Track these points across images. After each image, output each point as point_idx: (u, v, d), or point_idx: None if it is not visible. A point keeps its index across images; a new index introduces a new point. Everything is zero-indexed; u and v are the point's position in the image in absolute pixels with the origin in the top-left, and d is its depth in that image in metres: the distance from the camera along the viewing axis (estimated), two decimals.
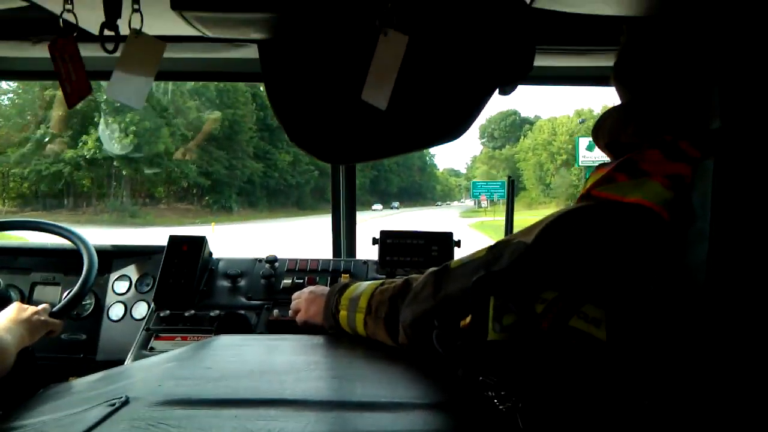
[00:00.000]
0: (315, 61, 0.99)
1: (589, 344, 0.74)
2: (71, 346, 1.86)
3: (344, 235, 2.21)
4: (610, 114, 0.94)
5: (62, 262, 2.00)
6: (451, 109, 0.97)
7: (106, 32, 1.08)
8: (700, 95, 0.83)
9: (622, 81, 0.97)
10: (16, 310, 1.41)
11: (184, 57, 1.69)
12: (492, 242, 0.91)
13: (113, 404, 0.71)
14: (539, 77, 1.88)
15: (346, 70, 0.97)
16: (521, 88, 1.11)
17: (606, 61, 1.53)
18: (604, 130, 0.94)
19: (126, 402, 0.72)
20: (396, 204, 50.34)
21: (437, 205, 67.45)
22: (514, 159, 59.65)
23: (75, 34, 1.11)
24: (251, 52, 1.50)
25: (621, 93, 0.98)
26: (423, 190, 73.58)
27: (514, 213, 1.86)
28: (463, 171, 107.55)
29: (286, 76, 1.01)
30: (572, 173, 45.37)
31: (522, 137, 61.33)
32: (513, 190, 1.91)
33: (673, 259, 0.72)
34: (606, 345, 0.73)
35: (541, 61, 1.58)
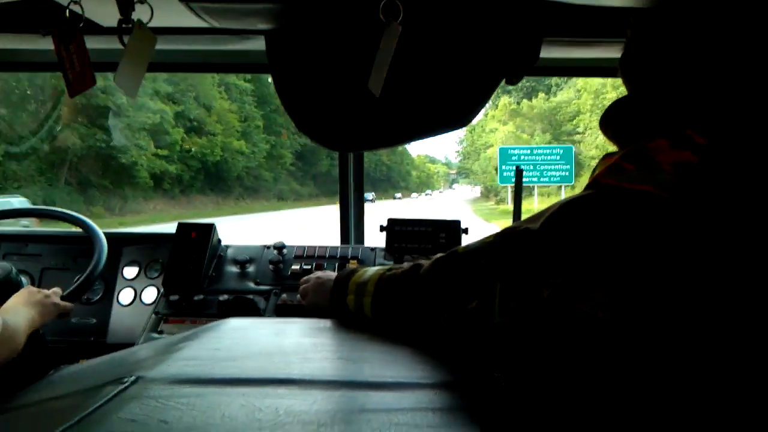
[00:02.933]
0: (321, 50, 1.00)
1: (593, 326, 0.74)
2: (81, 330, 1.88)
3: (353, 222, 2.22)
4: (616, 105, 0.94)
5: (72, 249, 2.02)
6: (457, 98, 0.97)
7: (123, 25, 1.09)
8: (706, 86, 0.83)
9: (628, 74, 0.96)
10: (27, 293, 1.42)
11: (192, 49, 1.70)
12: None
13: (123, 383, 0.72)
14: (546, 68, 1.87)
15: (352, 58, 0.97)
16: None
17: (613, 52, 1.52)
18: (611, 120, 0.94)
19: (135, 381, 0.72)
20: None
21: (369, 201, 46.07)
22: (558, 113, 32.14)
23: (81, 25, 1.11)
24: (258, 44, 1.51)
25: (627, 85, 0.98)
26: (393, 176, 56.28)
27: None
28: (440, 158, 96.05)
29: (293, 67, 1.02)
30: None
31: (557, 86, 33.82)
32: (521, 179, 1.91)
33: (679, 245, 0.71)
34: (610, 327, 0.73)
35: (548, 53, 1.58)
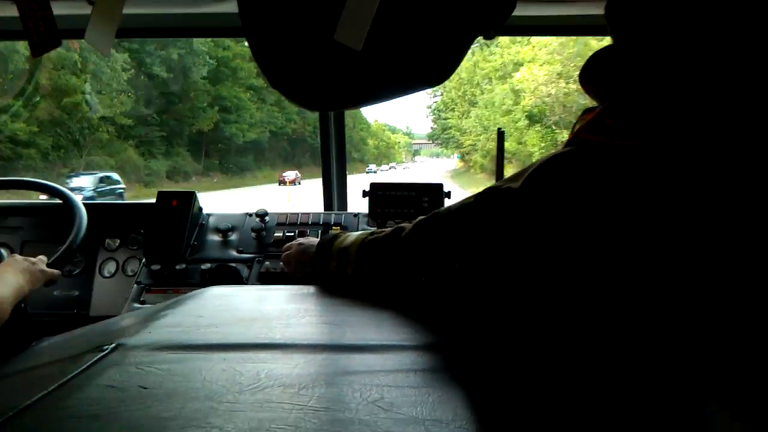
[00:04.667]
0: (296, 6, 0.97)
1: (574, 284, 0.74)
2: (64, 303, 1.87)
3: (336, 189, 2.21)
4: (597, 57, 0.92)
5: (52, 220, 2.00)
6: (434, 52, 0.95)
7: None
8: (693, 42, 0.81)
9: (611, 22, 0.94)
10: (13, 261, 1.40)
11: (165, 12, 1.66)
12: None
13: (103, 350, 0.71)
14: (525, 27, 1.86)
15: (329, 12, 0.95)
16: None
17: (593, 9, 1.51)
18: (591, 74, 0.93)
19: (116, 348, 0.72)
20: None
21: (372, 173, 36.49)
22: None
23: None
24: (232, 6, 1.47)
25: (612, 34, 0.95)
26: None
27: None
28: (401, 127, 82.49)
29: (267, 25, 0.99)
30: None
31: None
32: (503, 141, 1.91)
33: (663, 197, 0.71)
34: (593, 283, 0.73)
35: (525, 11, 1.56)
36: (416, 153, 79.15)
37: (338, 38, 0.86)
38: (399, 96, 1.03)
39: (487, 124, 21.97)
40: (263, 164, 31.55)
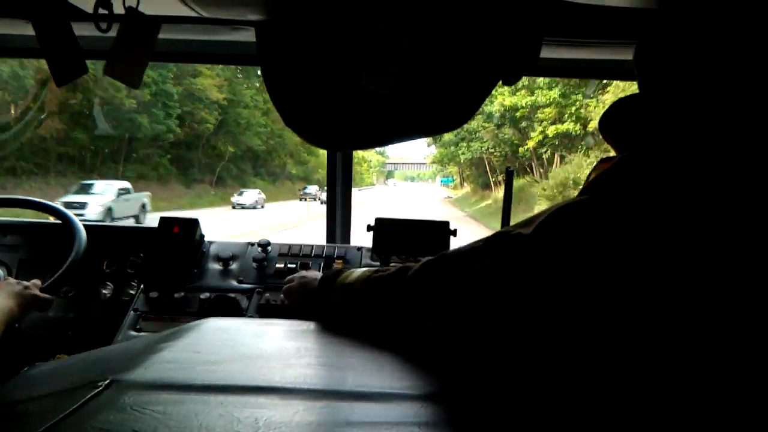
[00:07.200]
0: (313, 44, 0.97)
1: (587, 333, 0.72)
2: (60, 324, 1.85)
3: (339, 221, 2.19)
4: (618, 106, 0.91)
5: (51, 240, 1.98)
6: (452, 98, 0.95)
7: (100, 10, 1.06)
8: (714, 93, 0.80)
9: (640, 67, 0.92)
10: (5, 285, 1.39)
11: (182, 38, 1.66)
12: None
13: (97, 386, 0.69)
14: (544, 67, 1.85)
15: (345, 54, 0.95)
16: None
17: (613, 54, 1.51)
18: (612, 122, 0.92)
19: (110, 385, 0.70)
20: None
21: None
22: None
23: (63, 11, 1.08)
24: (250, 35, 1.47)
25: (639, 82, 0.94)
26: (272, 159, 30.02)
27: None
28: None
29: (283, 60, 0.98)
30: None
31: None
32: (512, 180, 1.89)
33: (674, 248, 0.70)
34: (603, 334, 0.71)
35: (547, 53, 1.56)
36: (389, 175, 71.01)
37: (366, 83, 0.85)
38: (413, 138, 1.02)
39: None
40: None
